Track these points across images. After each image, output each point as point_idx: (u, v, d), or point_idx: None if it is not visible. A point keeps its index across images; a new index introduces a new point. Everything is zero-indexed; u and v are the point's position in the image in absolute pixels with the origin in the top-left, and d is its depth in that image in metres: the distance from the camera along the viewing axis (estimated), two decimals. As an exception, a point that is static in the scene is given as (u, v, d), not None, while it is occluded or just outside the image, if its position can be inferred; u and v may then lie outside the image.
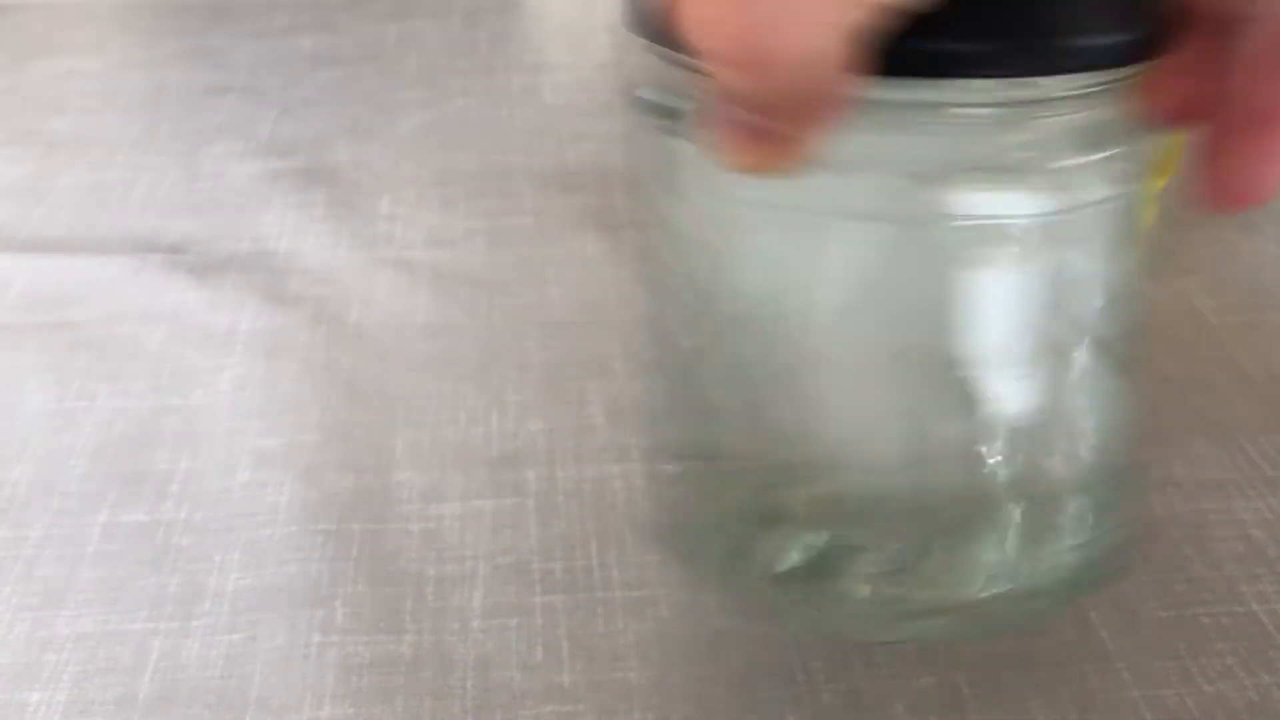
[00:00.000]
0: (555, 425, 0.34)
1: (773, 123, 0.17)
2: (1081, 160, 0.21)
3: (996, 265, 0.21)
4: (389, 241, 0.43)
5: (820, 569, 0.24)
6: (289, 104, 0.54)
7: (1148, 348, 0.25)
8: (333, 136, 0.51)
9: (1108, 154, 0.21)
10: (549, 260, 0.42)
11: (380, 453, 0.33)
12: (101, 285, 0.40)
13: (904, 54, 0.18)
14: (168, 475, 0.32)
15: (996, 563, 0.24)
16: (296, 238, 0.43)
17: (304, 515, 0.31)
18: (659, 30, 0.19)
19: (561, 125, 0.52)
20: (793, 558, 0.24)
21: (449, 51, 0.60)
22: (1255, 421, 0.34)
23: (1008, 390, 0.22)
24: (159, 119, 0.52)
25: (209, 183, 0.47)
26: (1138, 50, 0.19)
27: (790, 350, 0.22)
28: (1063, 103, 0.20)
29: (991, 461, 0.23)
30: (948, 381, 0.22)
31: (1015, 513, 0.24)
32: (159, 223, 0.44)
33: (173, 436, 0.33)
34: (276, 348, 0.37)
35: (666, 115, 0.22)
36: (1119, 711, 0.26)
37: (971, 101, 0.20)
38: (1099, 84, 0.20)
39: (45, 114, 0.53)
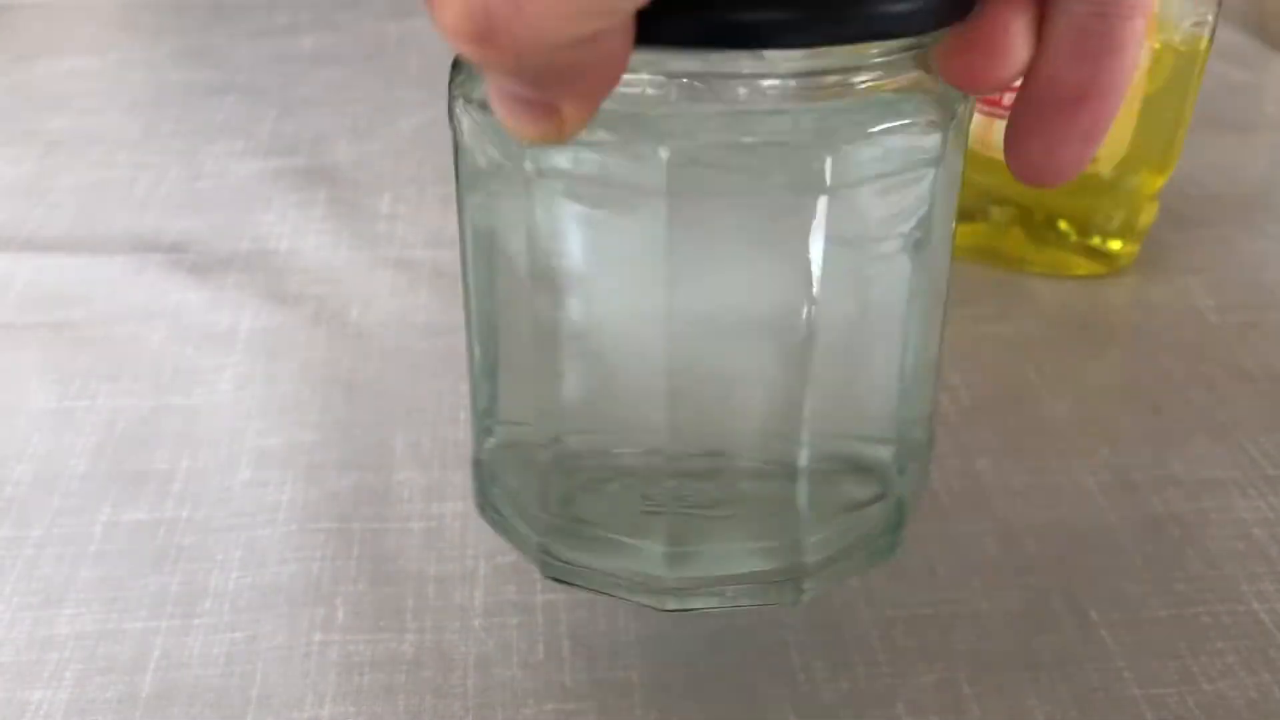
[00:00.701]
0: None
1: (533, 93, 0.17)
2: (880, 129, 0.20)
3: (785, 238, 0.20)
4: (390, 240, 0.43)
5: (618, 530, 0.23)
6: (289, 103, 0.54)
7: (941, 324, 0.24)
8: (333, 135, 0.51)
9: (908, 123, 0.20)
10: (550, 259, 0.42)
11: (381, 451, 0.33)
12: (102, 284, 0.40)
13: (696, 22, 0.17)
14: (169, 474, 0.32)
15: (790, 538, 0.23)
16: (297, 237, 0.43)
17: (305, 514, 0.31)
18: None
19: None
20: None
21: (449, 51, 0.60)
22: (1256, 420, 0.34)
23: (805, 358, 0.21)
24: (160, 118, 0.52)
25: (210, 182, 0.47)
26: (937, 17, 0.19)
27: (578, 319, 0.22)
28: (862, 71, 0.19)
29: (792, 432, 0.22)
30: (739, 349, 0.21)
31: (808, 485, 0.23)
32: (160, 222, 0.44)
33: (173, 435, 0.33)
34: (277, 347, 0.37)
35: (466, 95, 0.22)
36: (1120, 710, 0.26)
37: (766, 73, 0.19)
38: (898, 51, 0.19)
39: (46, 113, 0.53)
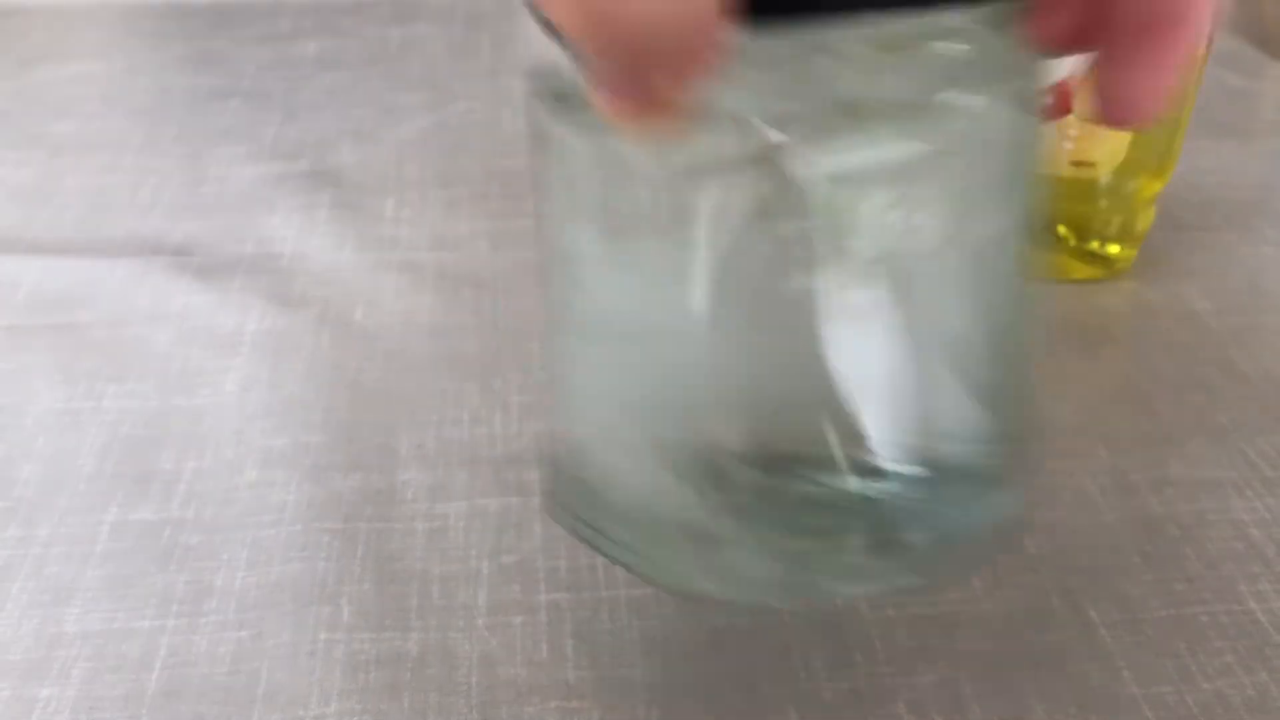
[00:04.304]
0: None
1: (639, 82, 0.17)
2: (970, 95, 0.20)
3: (884, 209, 0.20)
4: (394, 243, 0.43)
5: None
6: (293, 108, 0.54)
7: (1040, 294, 0.24)
8: (337, 139, 0.51)
9: (997, 87, 0.20)
10: (552, 262, 0.42)
11: (385, 452, 0.33)
12: (108, 287, 0.40)
13: None
14: (175, 474, 0.32)
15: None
16: (302, 240, 0.43)
17: (310, 514, 0.31)
18: (543, 18, 0.19)
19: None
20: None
21: (452, 55, 0.60)
22: (1253, 422, 0.34)
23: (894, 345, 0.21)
24: (164, 122, 0.53)
25: (214, 186, 0.47)
26: None
27: (680, 313, 0.21)
28: (949, 36, 0.19)
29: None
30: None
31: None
32: (165, 225, 0.44)
33: (180, 436, 0.34)
34: (282, 348, 0.37)
35: (558, 95, 0.21)
36: (1119, 709, 0.26)
37: (855, 40, 0.19)
38: (984, 15, 0.19)
39: (51, 117, 0.53)
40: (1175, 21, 0.19)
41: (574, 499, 0.25)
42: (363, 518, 0.31)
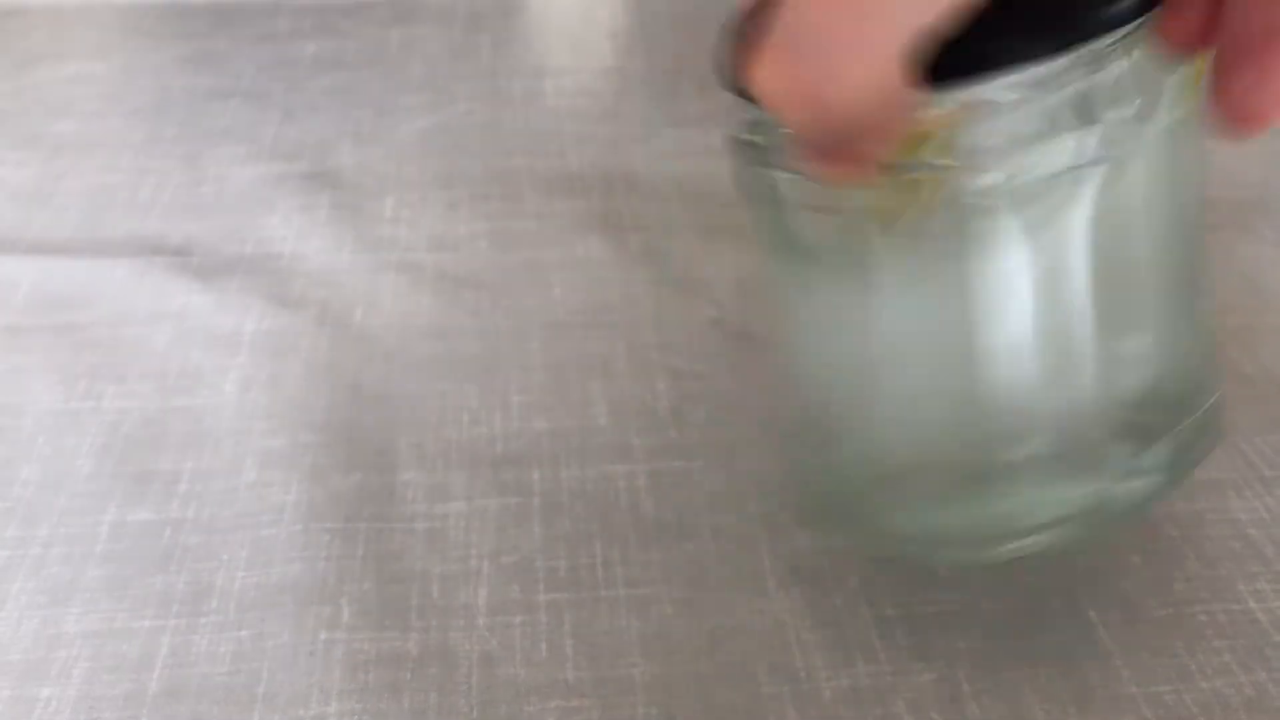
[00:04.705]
0: (559, 425, 0.34)
1: (843, 153, 0.20)
2: (1127, 107, 0.22)
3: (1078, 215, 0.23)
4: (393, 244, 0.43)
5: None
6: (293, 108, 0.54)
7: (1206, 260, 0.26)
8: (336, 140, 0.51)
9: (1147, 94, 0.22)
10: (552, 262, 0.42)
11: (385, 453, 0.33)
12: (107, 287, 0.40)
13: (958, 59, 0.20)
14: (174, 475, 0.32)
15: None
16: (301, 240, 0.43)
17: (310, 514, 0.31)
18: (741, 90, 0.22)
19: (564, 129, 0.52)
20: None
21: (451, 56, 0.60)
22: (1252, 422, 0.34)
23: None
24: (164, 123, 0.53)
25: (214, 186, 0.47)
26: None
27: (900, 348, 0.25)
28: (1098, 65, 0.21)
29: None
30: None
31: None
32: (164, 226, 0.44)
33: (179, 436, 0.34)
34: (282, 349, 0.37)
35: (760, 154, 0.24)
36: (1118, 708, 0.26)
37: (1023, 84, 0.21)
38: (1123, 38, 0.21)
39: (50, 118, 0.53)
40: (1270, 42, 0.20)
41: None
42: (362, 518, 0.31)
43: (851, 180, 0.21)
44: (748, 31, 0.21)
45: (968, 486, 0.26)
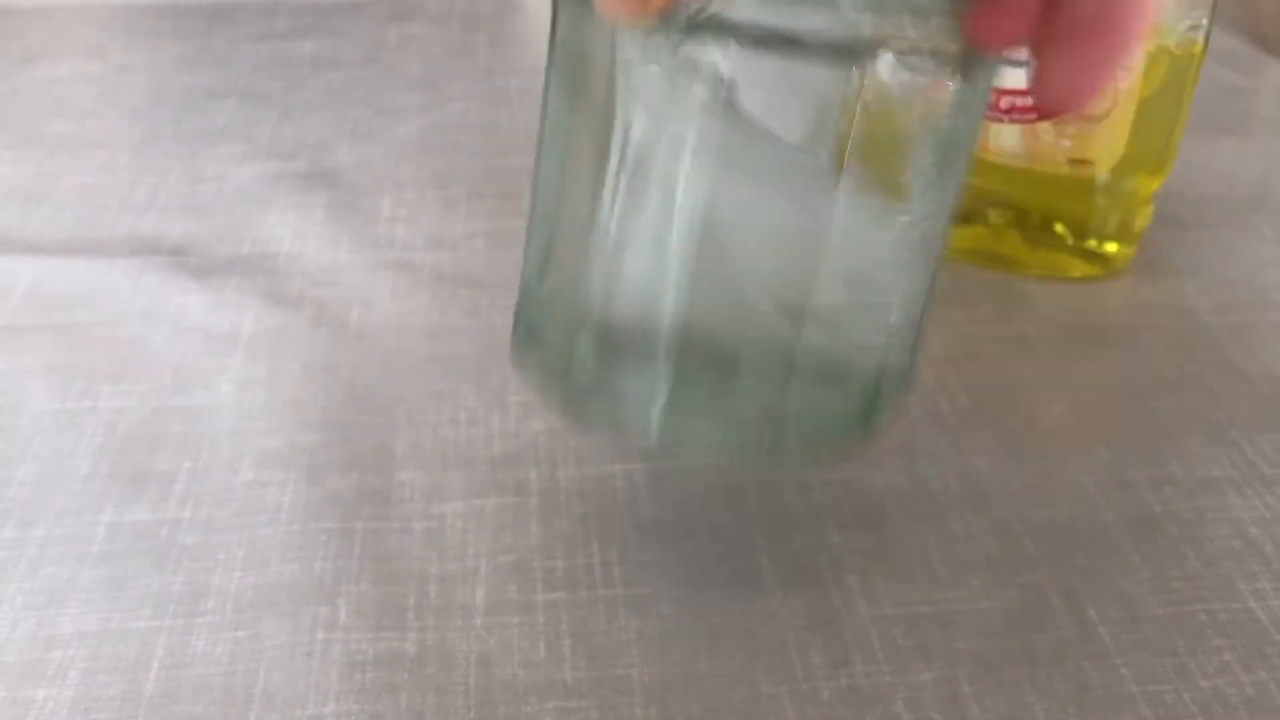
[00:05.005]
0: (556, 425, 0.34)
1: None
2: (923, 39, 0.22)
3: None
4: (390, 243, 0.43)
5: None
6: (290, 107, 0.54)
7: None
8: (334, 139, 0.51)
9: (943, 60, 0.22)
10: (549, 262, 0.42)
11: (382, 452, 0.33)
12: (104, 287, 0.40)
13: None
14: (171, 475, 0.32)
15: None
16: (298, 240, 0.43)
17: (307, 514, 0.31)
18: None
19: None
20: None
21: (449, 55, 0.60)
22: (1252, 420, 0.34)
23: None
24: (161, 122, 0.53)
25: (211, 185, 0.47)
26: None
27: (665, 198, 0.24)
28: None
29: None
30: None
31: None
32: (161, 225, 0.44)
33: (176, 436, 0.34)
34: (279, 348, 0.37)
35: None
36: (1117, 707, 0.26)
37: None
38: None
39: (47, 117, 0.53)
40: (1110, 25, 0.20)
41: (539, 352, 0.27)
42: (360, 517, 0.31)
43: (635, 18, 0.21)
44: None
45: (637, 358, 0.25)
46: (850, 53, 0.22)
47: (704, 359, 0.25)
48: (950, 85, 0.23)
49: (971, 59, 0.23)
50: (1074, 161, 0.39)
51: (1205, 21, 0.37)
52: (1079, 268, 0.41)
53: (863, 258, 0.24)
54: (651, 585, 0.29)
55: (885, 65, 0.22)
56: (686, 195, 0.23)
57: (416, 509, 0.31)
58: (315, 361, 0.37)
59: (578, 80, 0.24)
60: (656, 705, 0.26)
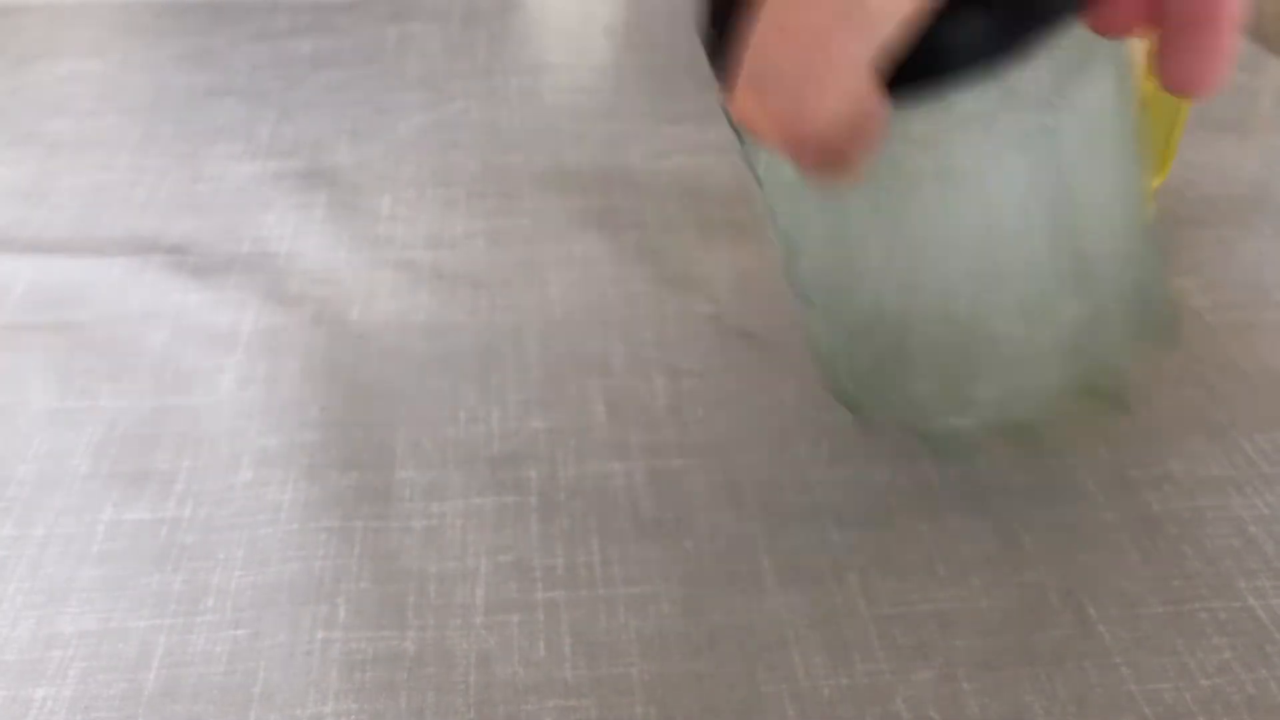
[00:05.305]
0: (556, 423, 0.34)
1: (825, 167, 0.22)
2: (1077, 79, 0.24)
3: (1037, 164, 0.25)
4: (390, 242, 0.43)
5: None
6: (289, 106, 0.54)
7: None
8: (333, 138, 0.51)
9: (1094, 67, 0.24)
10: (549, 260, 0.42)
11: (382, 451, 0.33)
12: (104, 286, 0.40)
13: (921, 63, 0.21)
14: (171, 474, 0.32)
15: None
16: (298, 238, 0.43)
17: (306, 513, 0.31)
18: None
19: (561, 126, 0.52)
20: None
21: (448, 53, 0.60)
22: (1252, 419, 0.34)
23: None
24: (160, 121, 0.53)
25: (210, 184, 0.47)
26: None
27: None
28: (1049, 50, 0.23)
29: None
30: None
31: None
32: (161, 224, 0.44)
33: (175, 435, 0.34)
34: (278, 347, 0.37)
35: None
36: (1117, 706, 0.26)
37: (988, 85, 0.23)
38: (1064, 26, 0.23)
39: (46, 115, 0.53)
40: (1213, 15, 0.22)
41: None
42: (359, 516, 0.31)
43: (832, 183, 0.22)
44: (722, 48, 0.22)
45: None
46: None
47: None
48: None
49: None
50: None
51: (1205, 19, 0.36)
52: (1079, 266, 0.41)
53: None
54: (651, 584, 0.29)
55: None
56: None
57: (416, 508, 0.31)
58: (315, 360, 0.37)
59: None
60: (656, 704, 0.26)
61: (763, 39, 0.20)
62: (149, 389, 0.35)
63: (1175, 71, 0.23)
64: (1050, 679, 0.26)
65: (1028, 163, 0.25)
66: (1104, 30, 0.23)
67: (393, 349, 0.37)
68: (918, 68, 0.21)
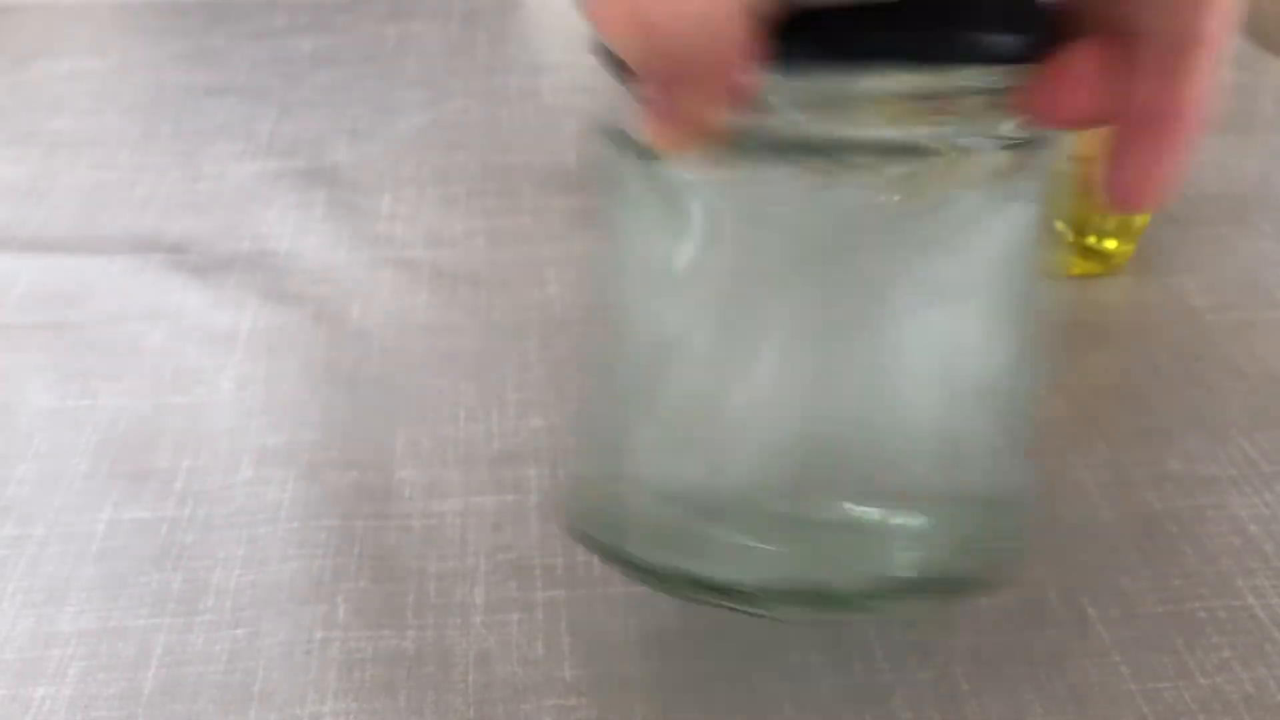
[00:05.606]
0: (556, 422, 0.34)
1: (676, 98, 0.19)
2: (983, 147, 0.22)
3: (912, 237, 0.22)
4: (389, 241, 0.43)
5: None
6: (289, 104, 0.54)
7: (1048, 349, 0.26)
8: (333, 137, 0.51)
9: (1006, 144, 0.22)
10: (548, 259, 0.42)
11: (381, 450, 0.33)
12: (104, 285, 0.40)
13: (811, 41, 0.19)
14: (170, 473, 0.32)
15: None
16: (297, 237, 0.43)
17: (306, 512, 0.31)
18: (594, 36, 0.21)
19: (560, 125, 0.52)
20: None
21: (448, 52, 0.60)
22: (1251, 418, 0.34)
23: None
24: (160, 119, 0.53)
25: (210, 183, 0.47)
26: (1034, 50, 0.20)
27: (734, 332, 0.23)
28: (961, 96, 0.21)
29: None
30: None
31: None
32: (160, 223, 0.44)
33: (175, 434, 0.34)
34: (278, 346, 0.37)
35: (619, 134, 0.23)
36: (1116, 705, 0.26)
37: (879, 89, 0.20)
38: (996, 81, 0.21)
39: (46, 114, 0.53)
40: (1177, 112, 0.20)
41: (596, 520, 0.25)
42: (359, 515, 0.31)
43: (681, 144, 0.20)
44: None
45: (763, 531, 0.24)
46: (905, 155, 0.21)
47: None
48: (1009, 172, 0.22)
49: (1030, 143, 0.22)
50: (1073, 158, 0.39)
51: (1205, 19, 0.36)
52: (1079, 265, 0.41)
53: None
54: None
55: (941, 163, 0.21)
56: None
57: (416, 507, 0.31)
58: (315, 359, 0.37)
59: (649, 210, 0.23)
60: (656, 704, 0.26)
61: None
62: (149, 388, 0.35)
63: (1127, 176, 0.21)
64: (1049, 678, 0.26)
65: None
66: (1050, 113, 0.21)
67: (392, 348, 0.37)
68: (814, 35, 0.19)
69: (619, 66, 0.21)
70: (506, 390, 0.35)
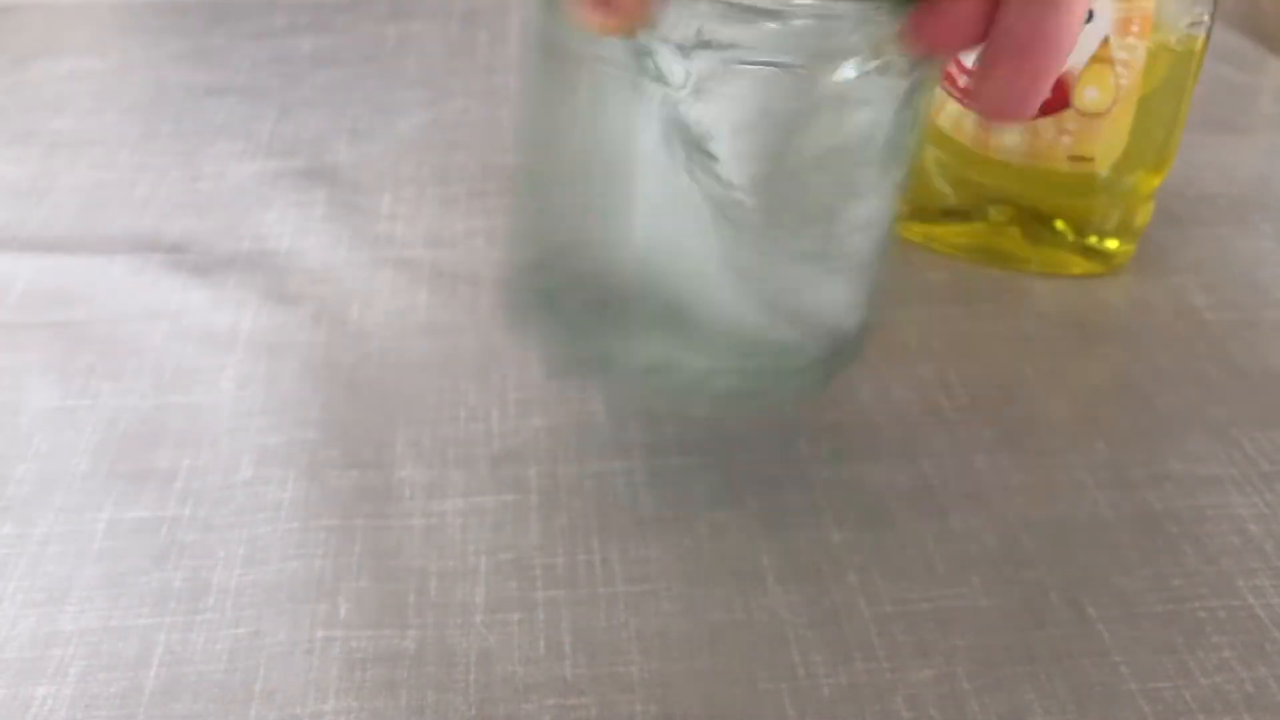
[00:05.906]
0: (556, 422, 0.34)
1: None
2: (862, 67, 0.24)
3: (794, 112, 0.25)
4: (390, 240, 0.43)
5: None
6: (289, 104, 0.54)
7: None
8: (333, 136, 0.51)
9: (882, 65, 0.24)
10: (549, 259, 0.42)
11: (382, 450, 0.33)
12: (104, 284, 0.40)
13: None
14: (171, 472, 0.32)
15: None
16: (298, 237, 0.43)
17: (307, 511, 0.31)
18: None
19: (561, 125, 0.52)
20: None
21: (448, 52, 0.60)
22: (1251, 417, 0.34)
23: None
24: (160, 119, 0.53)
25: (210, 182, 0.47)
26: None
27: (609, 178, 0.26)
28: (849, 20, 0.24)
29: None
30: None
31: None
32: (160, 222, 0.44)
33: (176, 434, 0.34)
34: (278, 346, 0.37)
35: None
36: (1117, 705, 0.26)
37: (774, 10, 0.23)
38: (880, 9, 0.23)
39: (46, 114, 0.53)
40: (1042, 43, 0.23)
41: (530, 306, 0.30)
42: (360, 515, 0.31)
43: (606, 28, 0.22)
44: None
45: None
46: (811, 59, 0.24)
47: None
48: (899, 86, 0.25)
49: (917, 62, 0.25)
50: (1074, 158, 0.39)
51: (1206, 18, 0.37)
52: (1079, 264, 0.41)
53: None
54: (652, 582, 0.29)
55: (843, 70, 0.24)
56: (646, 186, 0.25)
57: (416, 506, 0.31)
58: (315, 359, 0.37)
59: (560, 65, 0.26)
60: (656, 702, 0.26)
61: None
62: (149, 387, 0.35)
63: (990, 91, 0.24)
64: (1050, 677, 0.26)
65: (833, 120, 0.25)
66: (927, 39, 0.24)
67: (392, 347, 0.37)
68: None
69: None
70: (507, 389, 0.35)
